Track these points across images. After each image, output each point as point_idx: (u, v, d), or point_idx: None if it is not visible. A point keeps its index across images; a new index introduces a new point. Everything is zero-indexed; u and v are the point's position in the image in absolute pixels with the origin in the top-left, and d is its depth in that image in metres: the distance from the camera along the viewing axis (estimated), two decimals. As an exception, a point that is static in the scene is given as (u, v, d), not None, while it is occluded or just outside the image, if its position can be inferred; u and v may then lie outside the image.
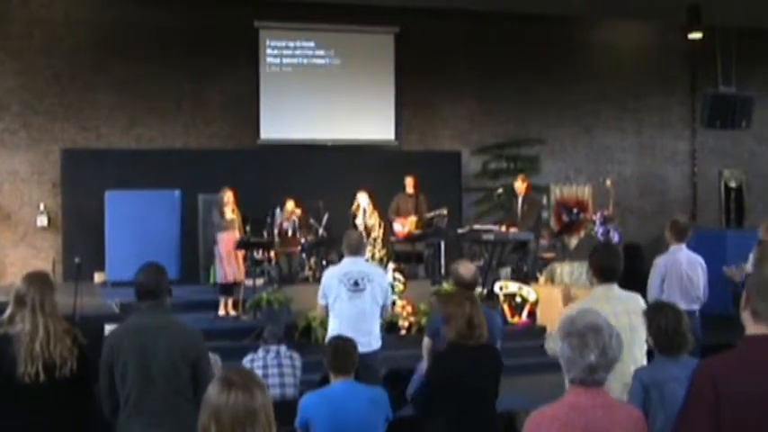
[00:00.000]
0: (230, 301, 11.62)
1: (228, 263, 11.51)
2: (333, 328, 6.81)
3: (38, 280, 4.57)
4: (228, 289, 11.63)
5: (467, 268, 6.24)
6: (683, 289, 7.90)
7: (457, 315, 5.01)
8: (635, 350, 4.70)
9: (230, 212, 11.71)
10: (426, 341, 6.30)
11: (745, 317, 3.05)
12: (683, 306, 7.51)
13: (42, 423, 4.37)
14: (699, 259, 8.12)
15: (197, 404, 4.38)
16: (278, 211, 13.26)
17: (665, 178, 19.00)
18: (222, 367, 5.90)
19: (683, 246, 8.07)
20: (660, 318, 4.31)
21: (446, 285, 11.22)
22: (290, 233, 12.96)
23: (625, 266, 5.12)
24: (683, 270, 7.94)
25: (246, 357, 7.08)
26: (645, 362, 4.77)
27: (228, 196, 11.71)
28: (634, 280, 6.48)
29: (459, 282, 6.21)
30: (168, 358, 4.48)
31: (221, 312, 11.54)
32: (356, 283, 6.86)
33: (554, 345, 4.68)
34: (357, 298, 6.85)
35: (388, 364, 7.12)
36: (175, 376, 4.49)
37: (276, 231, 12.97)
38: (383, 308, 7.08)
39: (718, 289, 8.61)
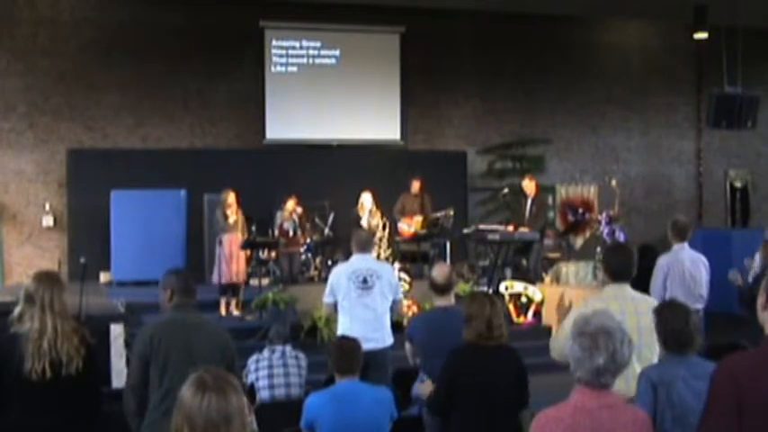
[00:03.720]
0: (233, 301, 11.61)
1: (230, 264, 11.48)
2: (343, 327, 6.81)
3: (47, 279, 4.59)
4: (227, 289, 11.62)
5: (440, 271, 6.15)
6: (686, 288, 7.90)
7: (478, 316, 5.00)
8: (643, 351, 4.68)
9: (233, 214, 11.67)
10: (408, 346, 6.29)
11: (765, 317, 2.98)
12: (685, 305, 7.54)
13: (48, 419, 4.39)
14: (701, 258, 8.13)
15: None
16: (279, 212, 13.25)
17: (671, 178, 18.99)
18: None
19: (686, 245, 8.08)
20: (668, 316, 4.31)
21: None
22: (290, 233, 12.95)
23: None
24: (686, 269, 7.95)
25: (252, 357, 7.08)
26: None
27: (231, 198, 11.67)
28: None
29: (432, 284, 6.13)
30: (211, 354, 4.51)
31: (222, 312, 11.54)
32: (365, 281, 6.86)
33: (558, 347, 4.68)
34: (366, 295, 6.86)
35: (394, 364, 7.12)
36: None
37: (276, 232, 12.95)
38: (393, 303, 7.09)
39: (723, 288, 8.59)
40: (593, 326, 3.15)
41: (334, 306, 6.99)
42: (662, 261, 8.01)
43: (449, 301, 6.06)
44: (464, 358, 5.01)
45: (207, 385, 2.63)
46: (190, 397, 2.62)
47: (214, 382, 2.64)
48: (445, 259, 13.39)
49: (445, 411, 5.01)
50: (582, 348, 3.12)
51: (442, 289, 6.05)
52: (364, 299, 6.85)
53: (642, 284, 5.15)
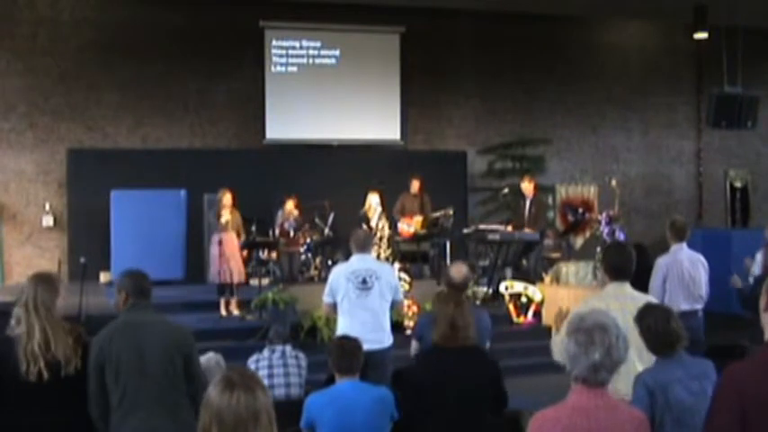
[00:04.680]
0: (232, 301, 11.57)
1: (225, 264, 11.40)
2: (342, 327, 6.78)
3: (34, 281, 4.56)
4: (224, 289, 11.58)
5: (457, 270, 6.15)
6: (686, 288, 7.90)
7: (440, 316, 4.92)
8: (644, 350, 4.67)
9: (227, 214, 11.53)
10: (414, 344, 6.27)
11: (766, 320, 2.97)
12: (685, 306, 7.56)
13: (50, 421, 4.39)
14: (700, 258, 8.12)
15: (191, 398, 4.43)
16: (279, 212, 13.24)
17: (671, 178, 18.99)
18: (225, 367, 5.89)
19: (684, 245, 8.07)
20: (648, 319, 4.30)
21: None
22: (291, 233, 12.94)
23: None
24: (684, 269, 7.94)
25: (252, 357, 7.08)
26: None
27: (227, 198, 11.56)
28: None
29: (449, 283, 6.14)
30: (164, 352, 4.50)
31: (222, 312, 11.51)
32: (364, 281, 6.84)
33: (558, 349, 4.67)
34: (365, 296, 6.84)
35: (394, 364, 7.11)
36: (171, 370, 4.50)
37: (277, 232, 12.93)
38: (394, 303, 7.07)
39: (723, 288, 8.59)
40: (588, 322, 3.15)
41: (334, 306, 6.97)
42: (661, 262, 8.01)
43: None
44: (429, 361, 4.97)
45: (235, 383, 2.67)
46: (218, 395, 2.66)
47: (241, 379, 2.69)
48: (445, 259, 13.39)
49: (414, 414, 4.92)
50: (578, 344, 3.11)
51: (458, 287, 6.05)
52: (363, 299, 6.83)
53: (636, 284, 5.14)
